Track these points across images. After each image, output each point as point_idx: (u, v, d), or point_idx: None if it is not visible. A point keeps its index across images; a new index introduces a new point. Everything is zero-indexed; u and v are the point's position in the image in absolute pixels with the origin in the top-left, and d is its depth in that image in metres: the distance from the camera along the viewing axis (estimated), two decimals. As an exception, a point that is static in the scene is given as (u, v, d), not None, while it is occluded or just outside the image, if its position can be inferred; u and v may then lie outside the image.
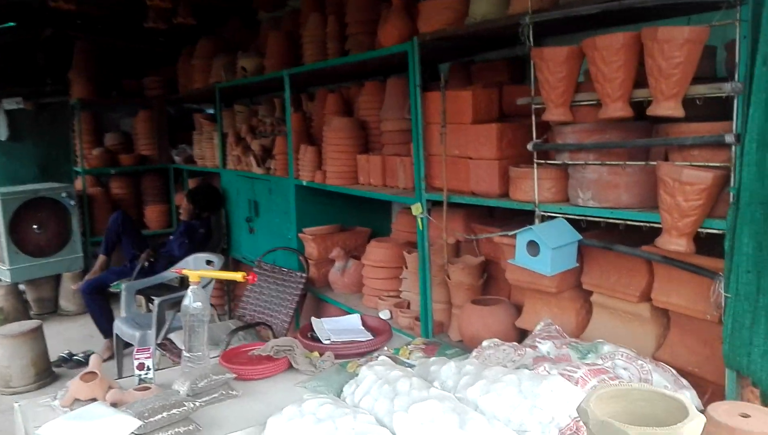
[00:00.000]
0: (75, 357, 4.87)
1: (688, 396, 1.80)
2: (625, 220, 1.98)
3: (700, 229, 1.78)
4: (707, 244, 1.81)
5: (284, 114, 4.69)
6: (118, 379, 2.28)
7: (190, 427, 1.80)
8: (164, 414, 1.75)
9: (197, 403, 1.82)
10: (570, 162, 2.13)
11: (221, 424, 1.88)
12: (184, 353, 2.17)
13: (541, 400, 1.58)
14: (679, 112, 1.76)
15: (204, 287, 4.36)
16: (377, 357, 2.21)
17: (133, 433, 1.70)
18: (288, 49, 4.37)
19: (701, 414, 1.20)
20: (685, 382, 1.84)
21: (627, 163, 1.97)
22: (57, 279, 6.07)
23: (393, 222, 3.90)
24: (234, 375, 2.06)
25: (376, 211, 4.23)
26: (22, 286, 5.94)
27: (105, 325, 4.89)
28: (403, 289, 3.34)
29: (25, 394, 4.31)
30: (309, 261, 3.91)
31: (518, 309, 2.63)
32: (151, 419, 1.72)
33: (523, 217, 2.69)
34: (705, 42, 1.76)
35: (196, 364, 2.16)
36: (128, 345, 4.26)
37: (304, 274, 3.75)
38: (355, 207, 4.16)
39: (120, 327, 4.24)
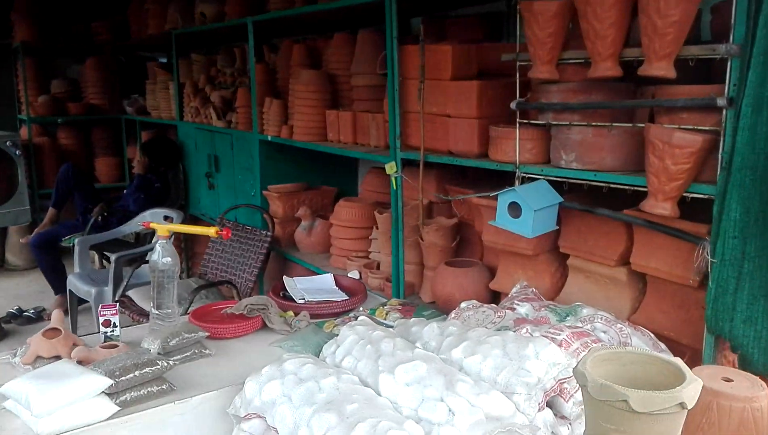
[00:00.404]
0: (25, 313, 4.68)
1: (665, 358, 1.82)
2: (609, 182, 1.96)
3: (685, 194, 1.77)
4: (690, 209, 1.82)
5: (245, 65, 4.52)
6: (83, 336, 2.17)
7: (164, 387, 1.73)
8: (136, 373, 1.67)
9: (171, 362, 1.75)
10: (554, 122, 2.09)
11: (196, 384, 1.81)
12: (153, 310, 2.08)
13: (529, 363, 1.57)
14: (671, 74, 1.74)
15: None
16: (355, 317, 2.17)
17: (103, 392, 1.62)
18: (250, -5, 4.17)
19: (698, 378, 1.20)
20: (663, 346, 1.87)
21: (613, 124, 1.94)
22: (3, 232, 5.80)
23: (361, 182, 3.83)
24: (207, 333, 1.99)
25: (343, 170, 4.15)
26: (-36, 239, 5.66)
27: (56, 281, 4.72)
28: (373, 249, 3.30)
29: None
30: (274, 219, 3.82)
31: (491, 271, 2.62)
32: (123, 378, 1.64)
33: (498, 179, 2.66)
34: (700, 2, 1.73)
35: (166, 322, 2.07)
36: (82, 301, 4.12)
37: (269, 233, 3.66)
38: (320, 165, 4.06)
39: (74, 283, 4.08)
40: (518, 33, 2.14)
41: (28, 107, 6.06)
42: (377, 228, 3.17)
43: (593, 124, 1.98)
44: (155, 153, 5.04)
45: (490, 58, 2.72)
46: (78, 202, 5.12)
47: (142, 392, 1.68)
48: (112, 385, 1.61)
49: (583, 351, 1.69)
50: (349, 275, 3.25)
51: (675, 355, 1.86)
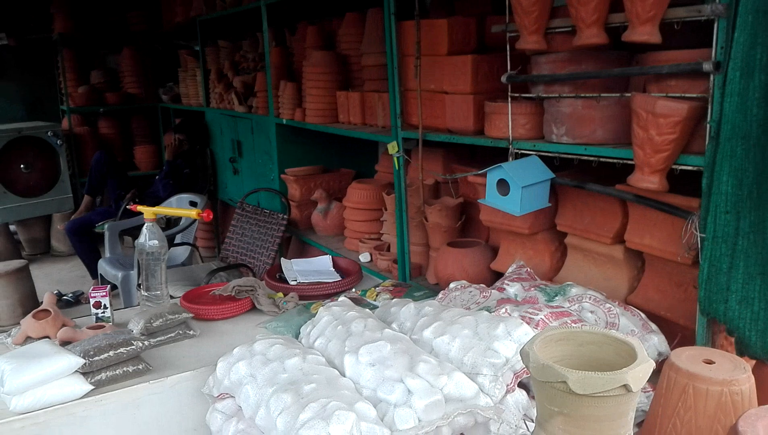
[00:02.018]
0: (64, 297, 4.86)
1: (656, 341, 1.73)
2: (599, 156, 1.87)
3: (674, 166, 1.67)
4: (681, 182, 1.71)
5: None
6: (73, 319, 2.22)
7: (140, 367, 1.75)
8: (111, 353, 1.69)
9: (147, 342, 1.77)
10: (544, 95, 2.00)
11: (174, 364, 1.83)
12: (142, 292, 2.12)
13: (498, 343, 1.51)
14: (656, 38, 1.63)
15: (187, 228, 4.33)
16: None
17: (78, 371, 1.65)
18: (268, -21, 4.16)
19: (650, 360, 1.13)
20: (653, 326, 1.77)
21: (602, 95, 1.84)
22: (48, 219, 6.03)
23: (378, 163, 3.79)
24: (191, 315, 2.01)
25: (361, 151, 4.11)
26: (12, 227, 5.90)
27: (92, 266, 4.87)
28: (384, 231, 3.26)
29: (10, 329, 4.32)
30: (291, 202, 3.83)
31: (495, 251, 2.56)
32: (97, 358, 1.67)
33: (504, 157, 2.58)
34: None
35: (155, 304, 2.10)
36: (116, 286, 4.25)
37: (285, 216, 3.67)
38: (339, 147, 4.05)
39: (104, 267, 4.21)
40: (507, 2, 2.05)
41: (68, 98, 6.26)
42: (386, 209, 3.13)
43: (581, 95, 1.88)
44: (191, 130, 5.13)
45: (496, 33, 2.64)
46: (111, 189, 5.27)
47: (117, 372, 1.70)
48: (85, 364, 1.64)
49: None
50: (360, 258, 3.24)
51: (670, 336, 1.78)
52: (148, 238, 2.08)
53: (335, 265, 2.52)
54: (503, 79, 2.11)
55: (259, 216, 3.85)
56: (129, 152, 6.57)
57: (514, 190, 1.96)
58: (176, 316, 1.97)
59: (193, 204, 4.42)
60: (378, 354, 1.52)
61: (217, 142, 5.06)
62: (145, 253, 2.08)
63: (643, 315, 1.78)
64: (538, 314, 1.66)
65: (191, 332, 1.99)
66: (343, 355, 1.58)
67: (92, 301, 2.08)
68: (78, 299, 4.87)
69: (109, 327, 1.96)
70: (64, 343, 1.83)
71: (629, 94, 1.77)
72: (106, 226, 4.48)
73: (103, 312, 2.08)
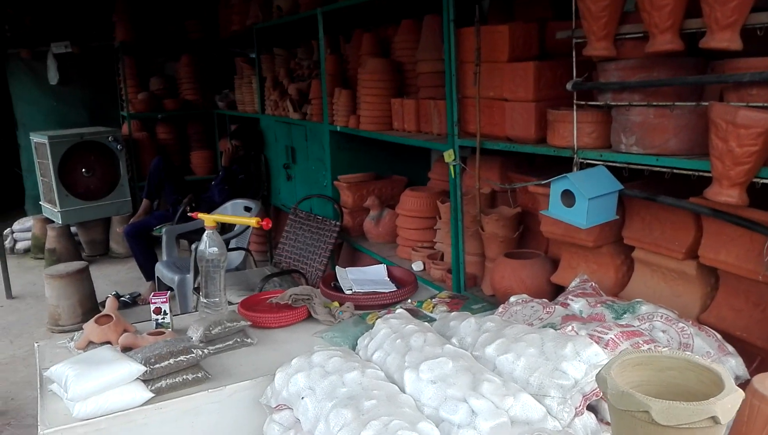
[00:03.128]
0: (122, 298, 4.98)
1: (733, 364, 1.63)
2: (671, 168, 1.78)
3: (755, 179, 1.57)
4: (763, 197, 1.61)
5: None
6: (134, 323, 2.26)
7: (199, 375, 1.75)
8: (171, 360, 1.70)
9: (207, 350, 1.77)
10: (613, 103, 1.92)
11: (233, 372, 1.83)
12: (201, 299, 2.13)
13: (566, 363, 1.45)
14: (737, 45, 1.54)
15: (241, 233, 4.37)
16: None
17: (139, 379, 1.66)
18: (324, -14, 4.17)
19: (739, 389, 1.05)
20: (730, 348, 1.67)
21: (676, 103, 1.75)
22: (107, 222, 6.20)
23: (431, 171, 3.75)
24: (249, 323, 2.01)
25: (414, 158, 4.08)
26: (73, 229, 6.09)
27: (148, 268, 4.96)
28: (437, 240, 3.22)
29: (71, 332, 4.45)
30: (344, 209, 3.82)
31: (555, 264, 2.48)
32: (158, 365, 1.67)
33: (565, 166, 2.50)
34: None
35: (213, 311, 2.11)
36: (171, 288, 4.32)
37: (338, 223, 3.66)
38: (391, 154, 4.02)
39: (161, 270, 4.29)
40: (574, 7, 1.98)
41: (128, 104, 6.43)
42: (440, 218, 3.09)
43: (654, 103, 1.80)
44: (247, 136, 5.20)
45: (558, 39, 2.57)
46: (168, 193, 5.37)
47: (177, 380, 1.71)
48: (146, 371, 1.65)
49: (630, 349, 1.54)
50: (413, 266, 3.20)
51: (747, 359, 1.68)
52: (209, 246, 2.09)
53: (390, 275, 2.49)
54: (568, 86, 2.04)
55: (312, 222, 3.86)
56: (186, 157, 6.71)
57: (580, 202, 1.89)
58: (234, 323, 1.97)
59: (247, 209, 4.46)
60: (440, 371, 1.47)
61: (272, 149, 5.11)
62: (205, 260, 2.09)
63: (718, 336, 1.69)
64: (607, 333, 1.59)
65: (249, 340, 1.99)
66: (402, 370, 1.54)
67: (152, 306, 2.10)
68: (135, 300, 4.99)
69: (169, 333, 1.97)
70: (126, 349, 1.86)
71: (706, 103, 1.68)
72: (163, 229, 4.57)
73: (163, 318, 2.10)
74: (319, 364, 1.61)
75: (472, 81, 2.55)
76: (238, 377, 1.80)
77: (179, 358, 1.71)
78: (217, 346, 1.94)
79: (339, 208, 3.81)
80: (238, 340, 1.98)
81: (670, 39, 1.68)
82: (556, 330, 1.66)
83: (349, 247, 3.96)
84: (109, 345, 1.88)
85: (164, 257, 4.46)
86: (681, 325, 1.70)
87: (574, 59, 2.04)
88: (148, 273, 4.94)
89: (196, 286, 3.83)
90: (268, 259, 5.52)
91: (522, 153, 2.50)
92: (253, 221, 2.06)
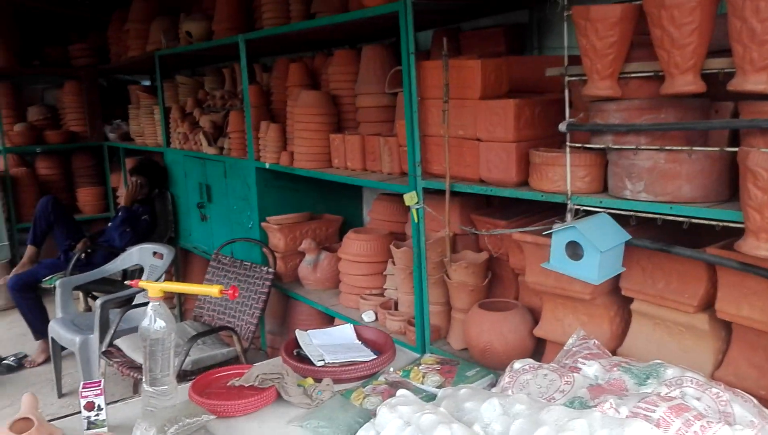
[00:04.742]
0: (5, 361, 4.29)
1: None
2: (689, 217, 1.65)
3: (791, 231, 1.46)
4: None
5: (236, 86, 4.20)
6: (56, 419, 1.81)
7: (164, 499, 1.38)
8: (128, 486, 1.32)
9: (172, 467, 1.40)
10: (615, 146, 1.78)
11: (202, 488, 1.46)
12: (146, 387, 1.73)
13: (629, 457, 1.24)
14: (774, 88, 1.44)
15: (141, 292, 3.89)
16: (388, 383, 1.83)
17: None
18: (240, 11, 3.85)
19: None
20: None
21: (694, 148, 1.63)
22: (-22, 272, 5.40)
23: (368, 210, 3.50)
24: (213, 416, 1.64)
25: (345, 196, 3.82)
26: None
27: (38, 326, 4.31)
28: (388, 286, 2.97)
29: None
30: (275, 253, 3.48)
31: (533, 314, 2.30)
32: (112, 496, 1.29)
33: (526, 206, 2.36)
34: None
35: (161, 401, 1.72)
36: (66, 348, 3.75)
37: (270, 269, 3.31)
38: (320, 192, 3.74)
39: (56, 330, 3.71)
40: (566, 44, 1.83)
41: (3, 137, 5.68)
42: (393, 263, 2.84)
43: (667, 148, 1.66)
44: (150, 172, 4.69)
45: (519, 74, 2.43)
46: (59, 238, 4.75)
47: (136, 509, 1.32)
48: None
49: (686, 431, 1.36)
50: (363, 317, 2.93)
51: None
52: (153, 320, 1.71)
53: (359, 336, 2.20)
54: (562, 127, 1.88)
55: (239, 269, 3.47)
56: (72, 194, 6.03)
57: (591, 255, 1.72)
58: (195, 419, 1.60)
59: (156, 254, 3.98)
60: (488, 479, 1.21)
61: (180, 186, 4.64)
62: (150, 339, 1.70)
63: (755, 401, 1.55)
64: (654, 410, 1.40)
65: (213, 438, 1.63)
66: (437, 478, 1.26)
67: (83, 401, 1.68)
68: (21, 363, 4.32)
69: (110, 439, 1.57)
70: (56, 467, 1.44)
71: (731, 149, 1.56)
72: (56, 281, 3.99)
73: (97, 414, 1.68)
74: (326, 477, 1.30)
75: (435, 119, 2.35)
76: (212, 493, 1.44)
77: (138, 481, 1.33)
78: (176, 450, 1.56)
79: (270, 252, 3.46)
80: (201, 439, 1.61)
81: (691, 79, 1.55)
82: (591, 408, 1.45)
83: (281, 296, 3.61)
84: (37, 468, 1.45)
85: (59, 314, 3.87)
86: (714, 389, 1.55)
87: (566, 98, 1.88)
88: (38, 331, 4.30)
89: (104, 349, 3.32)
90: (178, 312, 5.00)
91: (480, 194, 2.32)
92: (214, 291, 1.70)
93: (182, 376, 2.87)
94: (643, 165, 1.72)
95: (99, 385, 1.70)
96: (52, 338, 3.76)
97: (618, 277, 1.96)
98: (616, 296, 2.02)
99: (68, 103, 5.99)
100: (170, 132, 4.64)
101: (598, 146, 1.83)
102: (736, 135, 1.67)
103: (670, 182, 1.69)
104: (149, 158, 5.01)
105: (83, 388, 1.70)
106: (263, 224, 3.58)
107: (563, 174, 1.92)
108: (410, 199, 2.46)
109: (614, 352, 1.95)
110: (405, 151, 2.52)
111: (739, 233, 1.59)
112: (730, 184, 1.72)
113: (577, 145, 1.87)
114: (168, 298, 5.01)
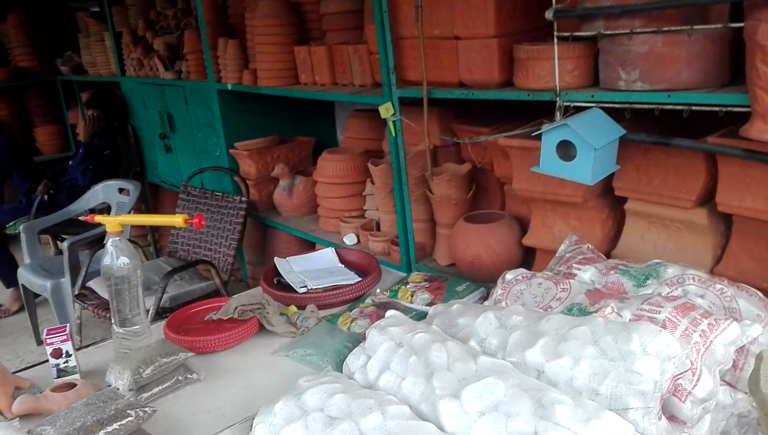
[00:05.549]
0: (-23, 313, 4.16)
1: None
2: (690, 104, 1.52)
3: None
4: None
5: (189, 3, 3.89)
6: (26, 369, 1.69)
7: (143, 444, 1.28)
8: (101, 434, 1.21)
9: (148, 410, 1.29)
10: (608, 32, 1.62)
11: (187, 429, 1.37)
12: (116, 329, 1.61)
13: (639, 362, 1.16)
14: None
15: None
16: (375, 305, 1.73)
17: (59, 469, 1.17)
18: None
19: None
20: (777, 305, 1.47)
21: (693, 27, 1.48)
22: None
23: (342, 129, 3.33)
24: (191, 354, 1.54)
25: (317, 116, 3.63)
26: None
27: (6, 273, 4.15)
28: (368, 207, 2.84)
29: None
30: (247, 181, 3.31)
31: (521, 224, 2.20)
32: (85, 447, 1.18)
33: (510, 110, 2.22)
34: None
35: (135, 342, 1.61)
36: (39, 295, 3.61)
37: (243, 198, 3.16)
38: (290, 113, 3.54)
39: (26, 276, 3.56)
40: None
41: (-55, 78, 5.31)
42: (372, 182, 2.70)
43: (665, 29, 1.51)
44: (106, 104, 4.41)
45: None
46: (18, 181, 4.51)
47: (114, 457, 1.23)
48: (71, 459, 1.15)
49: (694, 331, 1.28)
50: (345, 240, 2.81)
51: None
52: (116, 257, 1.57)
53: (342, 259, 2.08)
54: (548, 15, 1.70)
55: (210, 200, 3.32)
56: (29, 135, 5.72)
57: (584, 154, 1.59)
58: (172, 358, 1.49)
59: (122, 191, 3.80)
60: (490, 397, 1.13)
61: (140, 117, 4.39)
62: (114, 277, 1.57)
63: (760, 293, 1.48)
64: (659, 311, 1.32)
65: (192, 376, 1.53)
66: (435, 400, 1.18)
67: (49, 348, 1.56)
68: (-8, 316, 4.18)
69: (82, 385, 1.46)
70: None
71: (736, 25, 1.42)
72: (20, 226, 3.80)
73: (66, 361, 1.57)
74: (316, 407, 1.21)
75: (407, 19, 2.16)
76: (197, 434, 1.34)
77: (113, 427, 1.23)
78: (153, 391, 1.46)
79: (242, 181, 3.30)
80: (180, 378, 1.51)
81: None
82: (591, 314, 1.36)
83: (258, 224, 3.48)
84: (2, 421, 1.33)
85: (26, 260, 3.71)
86: (718, 286, 1.47)
87: (551, -20, 1.70)
88: (7, 279, 4.14)
89: (76, 292, 3.19)
90: (153, 250, 4.85)
91: (461, 100, 2.16)
92: (178, 220, 1.56)
93: (161, 314, 2.76)
94: (639, 50, 1.57)
95: (64, 331, 1.58)
96: (23, 285, 3.61)
97: (609, 177, 1.85)
98: (607, 197, 1.92)
99: (13, 36, 5.57)
100: (124, 59, 4.34)
101: (588, 34, 1.67)
102: (737, 11, 1.53)
103: (667, 68, 1.55)
104: (103, 89, 4.71)
105: (47, 334, 1.57)
106: (232, 151, 3.40)
107: (551, 68, 1.76)
108: (386, 110, 2.30)
109: (608, 256, 1.86)
110: (377, 58, 2.33)
111: (737, 121, 1.47)
112: (730, 66, 1.59)
113: (566, 34, 1.71)
114: (142, 235, 4.85)
